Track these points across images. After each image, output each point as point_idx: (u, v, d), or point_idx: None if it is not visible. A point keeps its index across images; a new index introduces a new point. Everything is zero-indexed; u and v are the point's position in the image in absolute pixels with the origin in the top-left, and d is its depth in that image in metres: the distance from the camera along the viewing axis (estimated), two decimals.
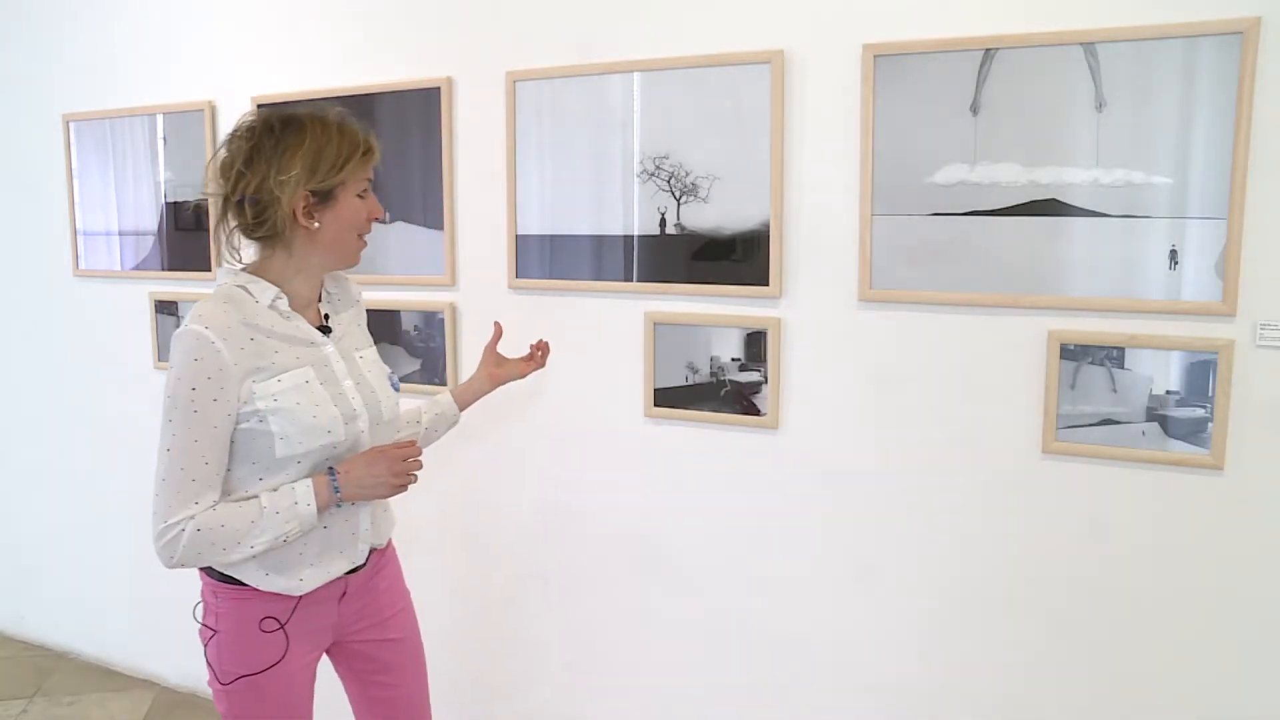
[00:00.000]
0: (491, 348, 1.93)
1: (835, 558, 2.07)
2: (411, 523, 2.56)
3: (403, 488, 1.58)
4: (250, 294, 1.52)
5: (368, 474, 1.54)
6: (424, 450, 1.87)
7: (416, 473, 1.60)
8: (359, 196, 1.56)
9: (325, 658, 1.74)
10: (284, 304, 1.54)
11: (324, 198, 1.51)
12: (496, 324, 1.95)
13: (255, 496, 1.50)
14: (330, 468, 1.54)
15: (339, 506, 1.56)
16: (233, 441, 1.49)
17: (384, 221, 2.49)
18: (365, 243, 1.62)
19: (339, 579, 1.62)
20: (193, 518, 1.45)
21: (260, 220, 1.50)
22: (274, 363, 1.50)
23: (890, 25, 1.87)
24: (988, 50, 1.79)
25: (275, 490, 1.50)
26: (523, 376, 1.96)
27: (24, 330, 3.31)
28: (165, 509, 1.45)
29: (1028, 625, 1.90)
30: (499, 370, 1.92)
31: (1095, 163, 1.74)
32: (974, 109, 1.82)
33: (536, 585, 2.43)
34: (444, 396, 1.89)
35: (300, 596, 1.57)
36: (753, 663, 2.18)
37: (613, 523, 2.31)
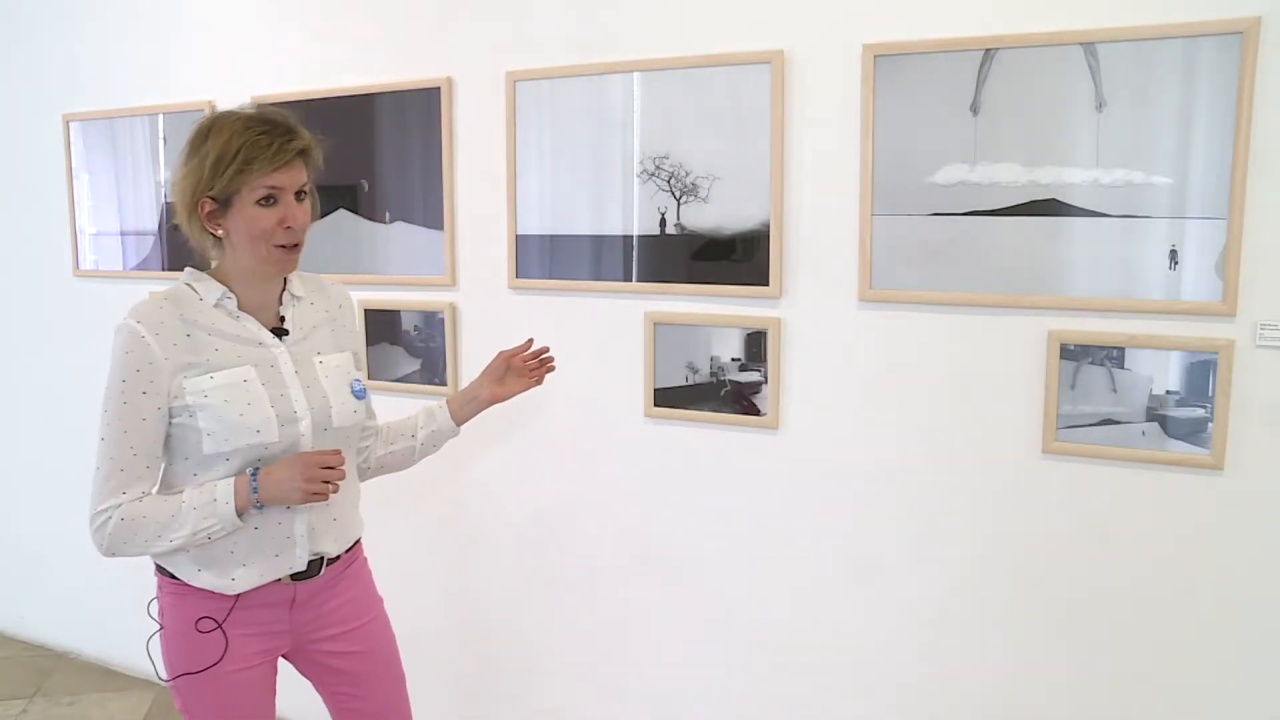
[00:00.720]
0: (506, 360, 1.79)
1: (835, 558, 2.07)
2: (411, 523, 2.57)
3: (319, 495, 1.52)
4: (195, 292, 1.55)
5: (286, 478, 1.51)
6: (422, 460, 1.85)
7: (339, 482, 1.54)
8: (261, 203, 1.49)
9: (295, 668, 1.74)
10: (231, 304, 1.56)
11: (223, 205, 1.50)
12: (529, 340, 1.81)
13: (182, 491, 1.53)
14: (255, 469, 1.53)
15: (259, 509, 1.54)
16: (170, 436, 1.53)
17: (384, 221, 2.50)
18: (287, 251, 1.54)
19: (285, 585, 1.61)
20: (120, 506, 1.49)
21: (180, 227, 1.55)
22: (209, 360, 1.51)
23: (890, 25, 1.87)
24: (988, 50, 1.79)
25: (201, 487, 1.52)
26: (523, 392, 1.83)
27: (24, 330, 3.31)
28: (97, 496, 1.51)
29: (1027, 625, 1.90)
30: (501, 389, 1.79)
31: (1095, 163, 1.74)
32: (974, 109, 1.82)
33: (536, 585, 2.43)
34: (441, 413, 1.80)
35: (236, 597, 1.57)
36: (752, 662, 2.18)
37: (613, 523, 2.31)
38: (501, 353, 1.80)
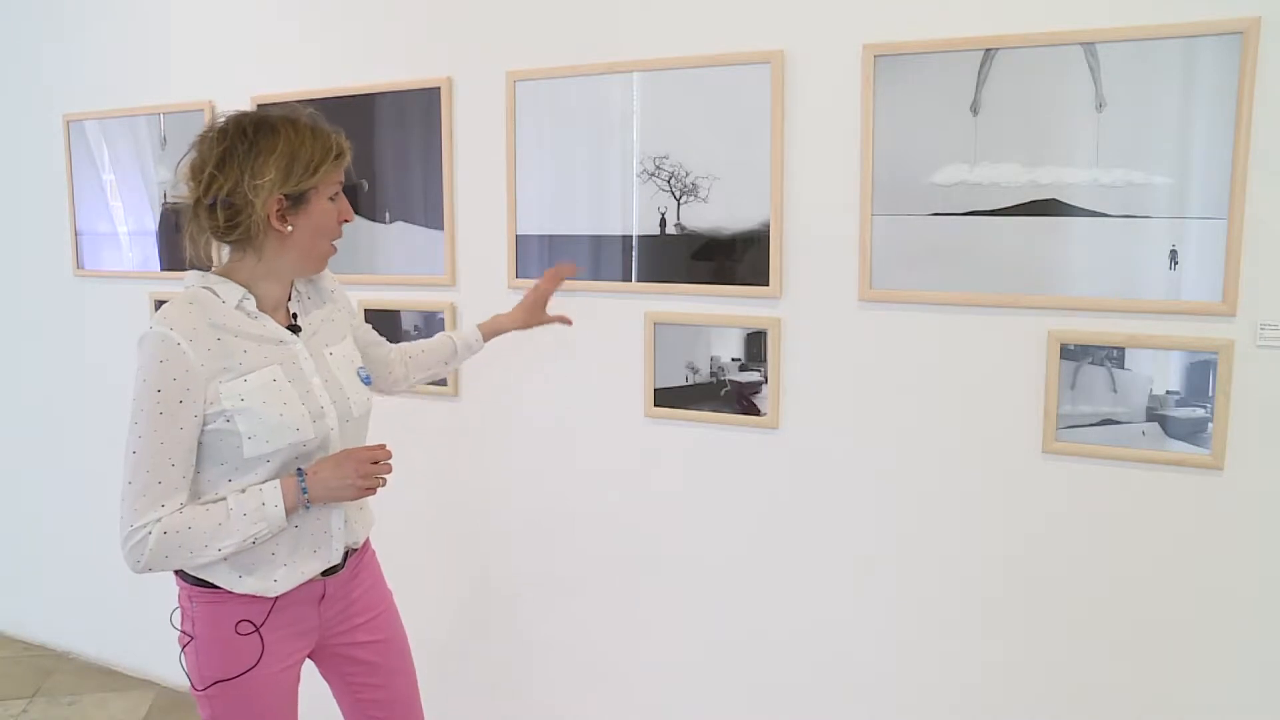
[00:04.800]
0: (545, 291, 2.06)
1: (835, 557, 2.07)
2: (412, 522, 2.57)
3: (371, 490, 1.56)
4: (216, 295, 1.52)
5: (334, 476, 1.53)
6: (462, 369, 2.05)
7: (386, 476, 1.58)
8: (330, 200, 1.56)
9: (313, 661, 1.74)
10: (251, 304, 1.54)
11: (296, 201, 1.51)
12: (571, 265, 2.10)
13: (223, 498, 1.49)
14: (299, 469, 1.53)
15: (307, 508, 1.55)
16: (202, 443, 1.49)
17: (384, 221, 2.50)
18: (334, 248, 1.62)
19: (316, 581, 1.62)
20: (159, 520, 1.44)
21: (233, 224, 1.49)
22: (241, 363, 1.50)
23: (890, 25, 1.87)
24: (988, 50, 1.79)
25: (243, 492, 1.49)
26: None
27: (24, 330, 3.31)
28: (132, 513, 1.44)
29: (1027, 625, 1.90)
30: (531, 318, 2.07)
31: (1095, 163, 1.74)
32: (974, 109, 1.82)
33: (536, 585, 2.43)
34: (477, 344, 2.03)
35: (275, 598, 1.57)
36: (752, 662, 2.18)
37: (612, 522, 2.31)
38: (537, 287, 2.06)
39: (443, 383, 2.46)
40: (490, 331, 2.04)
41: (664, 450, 2.22)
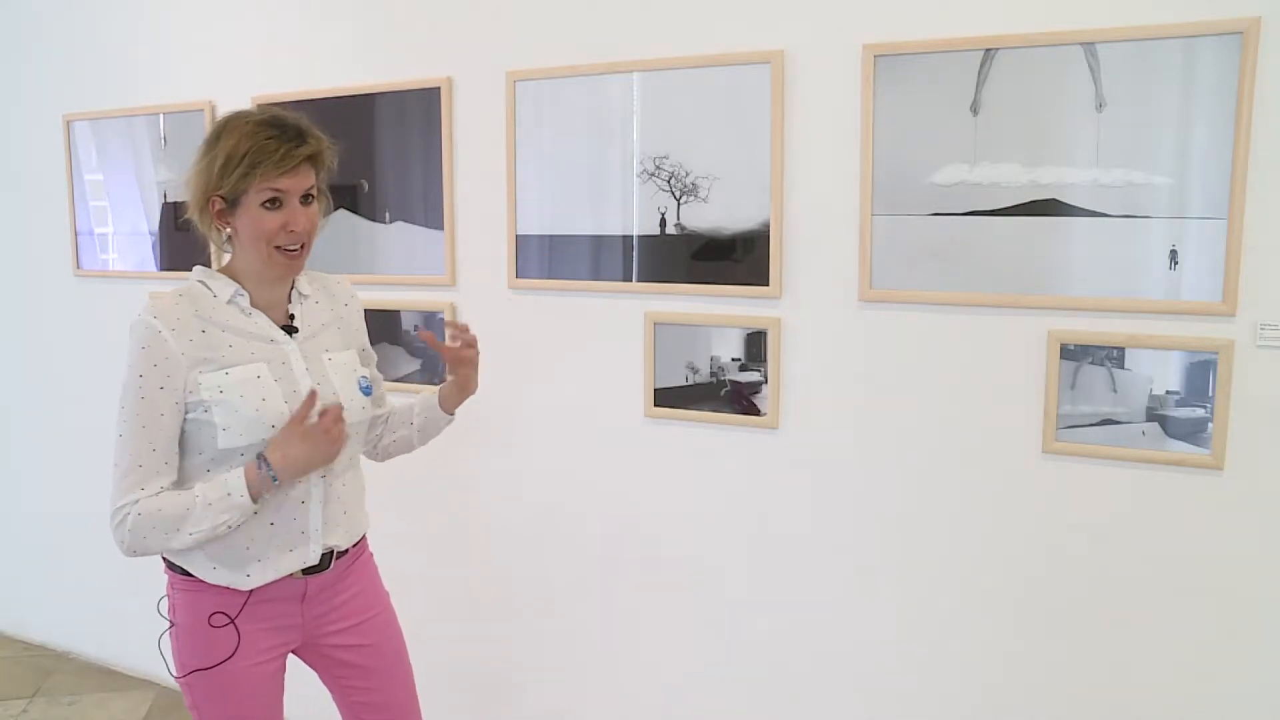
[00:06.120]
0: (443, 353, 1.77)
1: (835, 557, 2.07)
2: (410, 523, 2.57)
3: (338, 449, 1.55)
4: (209, 289, 1.57)
5: (302, 450, 1.52)
6: (428, 443, 1.86)
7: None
8: (266, 204, 1.51)
9: (305, 663, 1.75)
10: (244, 301, 1.58)
11: (232, 205, 1.53)
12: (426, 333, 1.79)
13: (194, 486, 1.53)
14: (260, 455, 1.52)
15: (279, 490, 1.54)
16: (185, 432, 1.53)
17: (384, 221, 2.50)
18: (289, 255, 1.55)
19: (297, 579, 1.63)
20: (137, 502, 1.49)
21: (193, 222, 1.57)
22: (224, 356, 1.52)
23: (890, 25, 1.87)
24: (988, 50, 1.79)
25: (212, 481, 1.52)
26: (469, 363, 1.76)
27: (24, 330, 3.31)
28: (116, 493, 1.50)
29: (1027, 625, 1.90)
30: (463, 387, 1.79)
31: (1095, 163, 1.74)
32: (974, 109, 1.82)
33: (536, 585, 2.43)
34: (433, 400, 1.80)
35: (250, 592, 1.58)
36: (752, 662, 2.18)
37: (613, 523, 2.31)
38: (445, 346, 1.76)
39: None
40: (448, 402, 1.81)
41: (664, 450, 2.22)
